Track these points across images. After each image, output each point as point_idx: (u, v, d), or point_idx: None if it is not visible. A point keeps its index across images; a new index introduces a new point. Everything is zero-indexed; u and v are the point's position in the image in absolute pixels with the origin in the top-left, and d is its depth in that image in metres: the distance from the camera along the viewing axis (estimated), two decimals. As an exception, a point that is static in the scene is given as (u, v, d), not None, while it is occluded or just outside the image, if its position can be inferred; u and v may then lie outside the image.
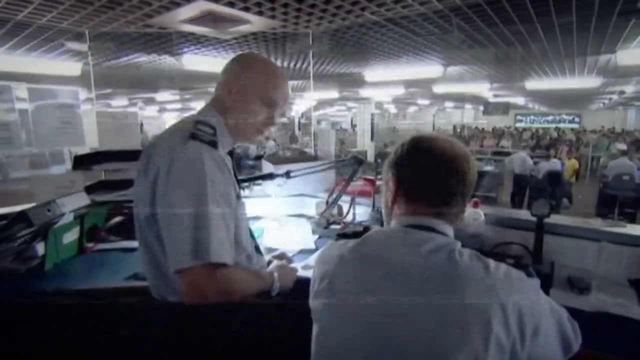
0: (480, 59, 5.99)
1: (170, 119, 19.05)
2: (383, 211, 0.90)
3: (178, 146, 0.93)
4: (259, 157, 6.44)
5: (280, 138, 11.03)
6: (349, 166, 1.84)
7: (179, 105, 15.67)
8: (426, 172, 0.78)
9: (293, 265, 1.30)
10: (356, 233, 0.84)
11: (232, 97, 1.08)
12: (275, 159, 2.25)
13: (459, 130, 17.49)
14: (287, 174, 1.80)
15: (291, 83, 8.85)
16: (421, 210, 0.79)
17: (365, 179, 2.12)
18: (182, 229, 0.88)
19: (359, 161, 1.82)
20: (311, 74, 5.08)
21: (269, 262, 1.24)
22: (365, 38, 4.58)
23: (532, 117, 20.99)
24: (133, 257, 1.60)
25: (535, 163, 7.05)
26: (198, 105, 14.70)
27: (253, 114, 1.09)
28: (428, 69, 6.33)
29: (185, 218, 0.88)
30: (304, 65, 6.44)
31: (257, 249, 1.18)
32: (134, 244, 1.71)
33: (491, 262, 0.71)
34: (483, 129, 17.36)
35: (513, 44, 4.79)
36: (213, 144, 0.97)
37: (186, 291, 0.88)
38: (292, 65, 6.38)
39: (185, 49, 5.05)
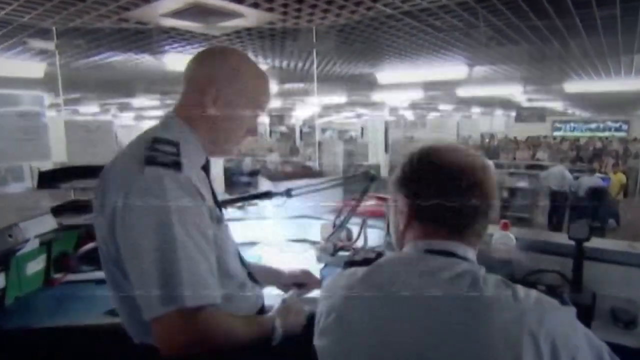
0: (512, 58, 6.03)
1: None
2: (392, 236, 0.92)
3: (132, 175, 0.92)
4: (254, 173, 6.48)
5: (279, 150, 11.09)
6: (360, 183, 1.86)
7: (159, 112, 15.80)
8: (441, 189, 0.80)
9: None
10: (367, 260, 0.86)
11: (205, 103, 1.06)
12: (274, 175, 2.28)
13: (487, 140, 17.54)
14: (288, 193, 1.80)
15: (292, 86, 8.92)
16: (438, 232, 0.81)
17: (379, 198, 2.12)
18: (150, 271, 0.87)
19: (371, 177, 1.84)
20: (315, 76, 5.15)
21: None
22: (377, 34, 4.63)
23: (571, 124, 21.07)
24: (108, 289, 1.62)
25: (575, 178, 7.07)
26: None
27: (235, 123, 1.09)
28: (451, 69, 6.41)
29: (152, 258, 0.87)
30: (307, 66, 6.50)
31: (250, 276, 1.18)
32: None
33: (520, 289, 0.73)
34: (515, 138, 17.39)
35: (549, 40, 4.81)
36: (175, 166, 0.95)
37: (158, 341, 0.88)
38: (292, 65, 6.44)
39: (168, 47, 5.12)
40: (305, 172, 2.65)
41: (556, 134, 20.57)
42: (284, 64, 6.34)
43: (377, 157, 11.28)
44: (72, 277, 1.76)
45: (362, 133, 17.01)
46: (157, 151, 0.95)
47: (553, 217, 7.08)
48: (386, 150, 11.39)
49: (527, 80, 8.34)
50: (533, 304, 0.71)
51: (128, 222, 0.90)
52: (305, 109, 13.80)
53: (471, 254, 0.81)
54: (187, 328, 0.87)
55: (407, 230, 0.85)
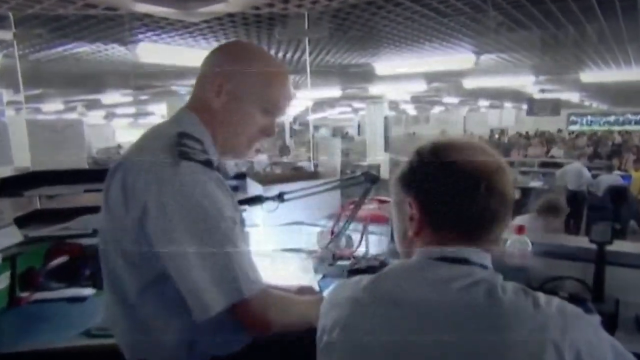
0: (523, 45, 6.05)
1: (121, 127, 19.06)
2: (397, 242, 0.92)
3: (167, 170, 0.97)
4: (240, 176, 6.42)
5: (268, 149, 11.08)
6: (359, 185, 1.88)
7: (131, 110, 15.75)
8: (454, 190, 0.80)
9: None
10: (371, 268, 0.88)
11: (221, 100, 1.11)
12: (264, 178, 2.29)
13: (496, 135, 17.64)
14: (281, 197, 1.82)
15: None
16: (450, 238, 0.82)
17: (381, 201, 2.15)
18: (204, 263, 0.96)
19: (372, 178, 1.85)
20: (308, 67, 5.13)
21: None
22: (375, 20, 4.65)
23: (588, 117, 21.19)
24: (84, 308, 1.62)
25: (594, 176, 7.13)
26: (157, 109, 14.84)
27: (249, 124, 1.14)
28: (457, 58, 6.46)
29: (203, 249, 0.95)
30: (297, 56, 6.51)
31: None
32: (85, 291, 1.74)
33: (541, 297, 0.75)
34: (527, 133, 17.53)
35: (564, 26, 4.85)
36: (209, 164, 1.02)
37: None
38: (280, 55, 6.44)
39: (141, 36, 5.11)
40: (299, 174, 2.65)
41: (572, 128, 20.68)
42: (272, 53, 6.33)
43: (376, 156, 11.30)
44: (40, 295, 1.75)
45: (359, 130, 17.07)
46: (186, 146, 1.01)
47: (570, 219, 7.14)
48: (386, 148, 11.40)
49: (540, 69, 8.42)
50: (555, 312, 0.72)
51: (168, 218, 0.95)
52: (297, 104, 13.78)
53: (487, 260, 0.82)
54: (254, 318, 1.02)
55: (416, 235, 0.85)
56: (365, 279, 0.84)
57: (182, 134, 1.04)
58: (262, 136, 1.18)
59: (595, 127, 20.40)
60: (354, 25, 4.90)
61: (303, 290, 1.39)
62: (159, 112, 14.64)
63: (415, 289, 0.79)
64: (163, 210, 0.95)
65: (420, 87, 10.37)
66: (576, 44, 5.94)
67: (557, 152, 11.54)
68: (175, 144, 1.01)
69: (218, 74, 1.11)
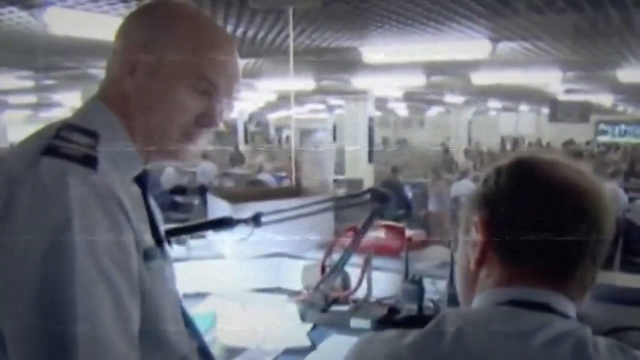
0: (552, 32, 6.15)
1: (16, 123, 18.56)
2: (458, 280, 0.93)
3: (22, 168, 0.89)
4: (178, 191, 6.25)
5: (219, 157, 11.01)
6: (362, 206, 1.90)
7: (31, 99, 15.35)
8: (537, 215, 0.82)
9: None
10: (412, 320, 0.87)
11: (136, 80, 1.05)
12: (233, 194, 2.27)
13: (508, 146, 18.02)
14: (256, 220, 1.80)
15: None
16: (530, 277, 0.82)
17: (389, 227, 2.16)
18: (30, 321, 0.82)
19: (381, 197, 1.86)
20: (291, 49, 5.07)
21: None
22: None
23: (622, 126, 21.82)
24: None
25: (630, 200, 7.34)
26: (66, 99, 14.38)
27: (178, 109, 1.06)
28: (467, 45, 6.53)
29: (33, 298, 0.82)
30: (260, 35, 6.47)
31: (202, 350, 1.19)
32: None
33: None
34: (548, 144, 17.97)
35: (604, 8, 4.93)
36: (88, 162, 0.92)
37: None
38: (238, 34, 6.37)
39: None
40: (280, 191, 2.64)
41: (601, 138, 21.26)
42: (240, 31, 6.26)
43: (358, 167, 11.37)
44: None
45: (334, 134, 17.14)
46: (63, 139, 0.93)
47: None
48: (370, 158, 11.48)
49: (569, 64, 8.59)
50: None
51: (5, 240, 0.85)
52: (254, 98, 13.79)
53: (571, 309, 0.82)
54: None
55: (478, 265, 0.86)
56: (409, 334, 0.82)
57: (65, 126, 0.97)
58: (200, 127, 1.10)
59: (630, 139, 20.99)
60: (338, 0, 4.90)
61: None
62: (68, 103, 14.13)
63: (487, 346, 0.77)
64: (4, 227, 0.85)
65: (417, 80, 10.49)
66: (619, 32, 6.05)
67: (585, 168, 11.89)
68: (49, 137, 0.93)
69: (130, 45, 1.06)
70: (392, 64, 7.89)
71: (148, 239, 1.03)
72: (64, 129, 0.96)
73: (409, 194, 9.52)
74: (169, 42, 1.04)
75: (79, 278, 0.84)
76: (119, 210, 0.94)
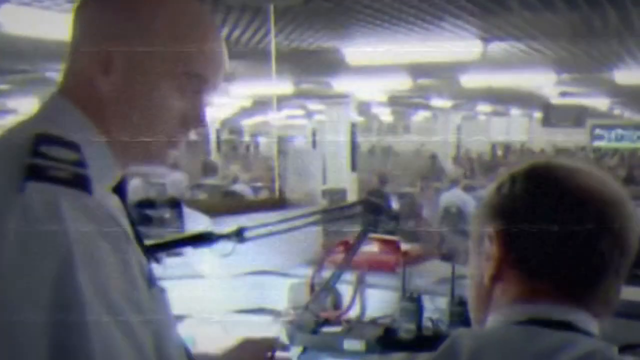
0: (547, 31, 6.23)
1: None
2: (470, 297, 0.93)
3: (3, 197, 0.83)
4: (147, 203, 6.15)
5: (188, 167, 10.93)
6: (353, 218, 1.90)
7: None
8: (563, 228, 0.80)
9: None
10: (427, 340, 0.86)
11: (111, 80, 0.99)
12: (210, 206, 2.26)
13: (499, 152, 18.24)
14: (239, 235, 1.78)
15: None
16: (550, 293, 0.82)
17: (382, 241, 2.16)
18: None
19: (374, 209, 1.86)
20: (273, 48, 5.10)
21: None
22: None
23: (619, 130, 22.20)
24: None
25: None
26: (21, 105, 14.30)
27: (161, 109, 1.02)
28: (456, 45, 6.58)
29: (38, 338, 0.76)
30: (234, 35, 6.49)
31: None
32: None
33: None
34: (542, 150, 18.20)
35: (601, 7, 5.01)
36: (80, 183, 0.87)
37: None
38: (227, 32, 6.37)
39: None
40: (263, 202, 2.64)
41: (596, 143, 21.56)
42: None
43: (340, 176, 11.39)
44: None
45: (313, 141, 17.23)
46: (45, 157, 0.86)
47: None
48: (353, 167, 11.52)
49: (564, 65, 8.71)
50: None
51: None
52: (226, 103, 13.81)
53: (594, 327, 0.82)
54: None
55: (493, 280, 0.85)
56: (418, 358, 0.83)
57: (42, 137, 0.89)
58: (186, 127, 1.05)
59: (627, 143, 21.32)
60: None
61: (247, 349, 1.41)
62: (23, 110, 13.91)
63: None
64: None
65: (403, 83, 10.58)
66: (617, 32, 6.14)
67: (605, 174, 12.11)
68: (27, 154, 0.86)
69: (102, 39, 0.98)
70: (376, 65, 7.95)
71: (144, 262, 0.98)
72: (40, 143, 0.87)
73: (395, 204, 9.58)
74: (151, 34, 0.99)
75: (89, 314, 0.79)
76: (121, 236, 0.90)
